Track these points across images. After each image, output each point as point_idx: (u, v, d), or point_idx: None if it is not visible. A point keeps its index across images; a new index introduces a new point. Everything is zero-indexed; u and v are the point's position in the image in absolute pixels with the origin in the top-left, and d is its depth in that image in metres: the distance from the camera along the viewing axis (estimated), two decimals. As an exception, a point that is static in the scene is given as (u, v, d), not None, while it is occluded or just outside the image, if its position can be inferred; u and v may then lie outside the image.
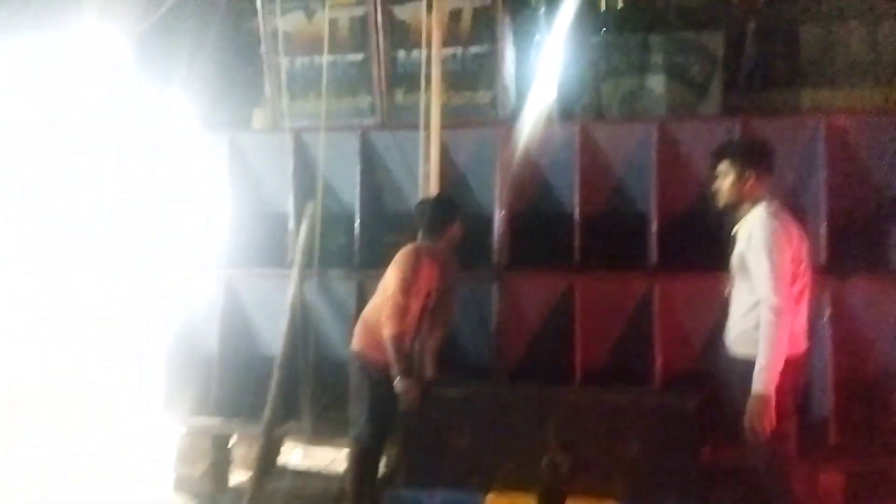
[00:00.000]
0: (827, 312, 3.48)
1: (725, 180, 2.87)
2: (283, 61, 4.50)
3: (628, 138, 3.92)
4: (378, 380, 3.21)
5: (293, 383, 3.95)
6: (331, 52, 4.29)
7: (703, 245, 3.49)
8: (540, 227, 3.90)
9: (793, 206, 3.69)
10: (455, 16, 4.34)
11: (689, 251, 3.60)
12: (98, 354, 4.89)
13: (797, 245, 2.79)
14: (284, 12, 4.45)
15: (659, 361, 3.56)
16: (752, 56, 5.68)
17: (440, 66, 3.88)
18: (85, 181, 4.94)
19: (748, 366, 2.68)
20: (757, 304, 2.72)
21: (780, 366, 2.64)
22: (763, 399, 2.62)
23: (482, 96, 4.39)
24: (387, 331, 3.13)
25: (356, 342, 3.35)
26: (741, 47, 5.67)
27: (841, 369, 3.47)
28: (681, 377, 3.54)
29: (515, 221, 3.90)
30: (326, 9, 4.27)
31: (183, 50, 4.80)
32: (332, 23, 4.35)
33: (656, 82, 5.24)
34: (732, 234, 2.92)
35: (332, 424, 3.82)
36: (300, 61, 4.54)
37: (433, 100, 3.81)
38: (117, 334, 4.72)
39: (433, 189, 3.75)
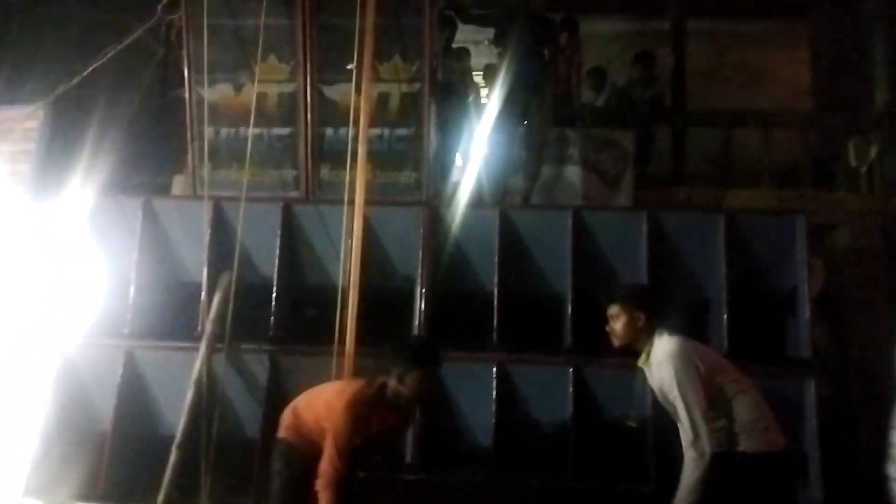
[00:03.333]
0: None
1: (618, 323, 2.97)
2: (208, 131, 4.46)
3: (545, 224, 4.07)
4: (300, 472, 3.01)
5: (193, 465, 3.70)
6: (257, 125, 4.30)
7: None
8: (460, 306, 3.93)
9: (697, 297, 3.95)
10: (383, 98, 4.47)
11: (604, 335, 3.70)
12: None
13: (707, 360, 2.89)
14: (212, 84, 4.46)
15: (572, 443, 3.58)
16: (656, 155, 6.11)
17: (366, 145, 3.96)
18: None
19: (758, 459, 2.78)
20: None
21: None
22: None
23: (407, 176, 4.48)
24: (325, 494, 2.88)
25: (284, 430, 3.14)
26: (651, 146, 6.09)
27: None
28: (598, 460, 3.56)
29: (437, 299, 3.92)
30: (256, 83, 4.31)
31: (105, 112, 4.70)
32: (261, 97, 4.38)
33: (573, 173, 5.53)
34: (643, 366, 3.00)
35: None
36: (225, 132, 4.52)
37: (358, 176, 3.85)
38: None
39: (355, 264, 3.73)
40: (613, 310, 2.98)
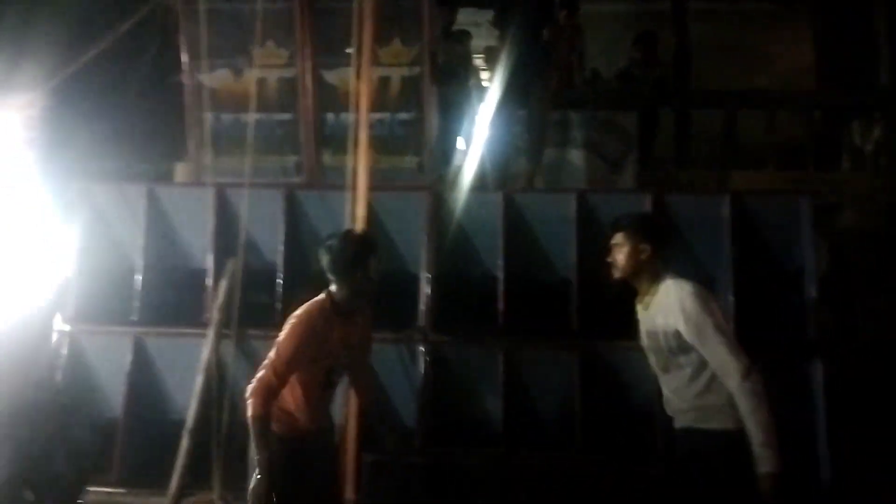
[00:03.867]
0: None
1: (620, 253, 2.86)
2: (209, 117, 4.44)
3: (550, 207, 4.04)
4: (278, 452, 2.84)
5: (204, 451, 3.70)
6: (258, 110, 4.28)
7: (623, 309, 3.58)
8: (465, 291, 3.92)
9: (702, 279, 3.92)
10: (384, 83, 4.43)
11: (610, 317, 3.69)
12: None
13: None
14: (211, 69, 4.42)
15: (580, 427, 3.58)
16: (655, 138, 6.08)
17: (368, 130, 3.93)
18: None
19: (728, 438, 2.62)
20: (713, 377, 2.67)
21: (775, 436, 2.56)
22: (775, 477, 2.52)
23: (409, 161, 4.46)
24: (249, 411, 2.77)
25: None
26: (654, 128, 6.05)
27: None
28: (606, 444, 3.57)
29: (441, 284, 3.90)
30: (255, 68, 4.28)
31: (105, 100, 4.67)
32: (261, 82, 4.35)
33: (576, 156, 5.49)
34: (638, 310, 2.91)
35: (245, 496, 3.58)
36: (226, 118, 4.50)
37: (360, 162, 3.83)
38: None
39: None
40: (618, 238, 2.86)
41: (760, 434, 2.55)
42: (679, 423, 2.81)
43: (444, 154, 4.79)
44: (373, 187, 3.85)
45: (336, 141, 4.38)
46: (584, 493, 3.24)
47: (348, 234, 3.05)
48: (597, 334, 3.73)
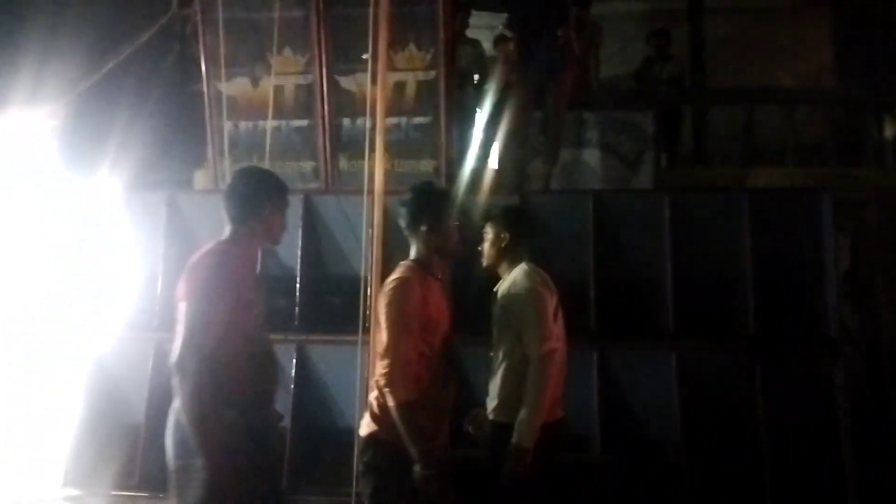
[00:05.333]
0: (758, 381, 3.58)
1: (486, 241, 3.00)
2: (227, 125, 4.49)
3: (566, 208, 4.04)
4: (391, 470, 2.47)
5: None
6: (275, 117, 4.31)
7: (641, 312, 3.58)
8: (484, 293, 3.92)
9: (722, 277, 3.90)
10: (399, 87, 4.45)
11: (628, 318, 3.68)
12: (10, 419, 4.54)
13: (554, 310, 2.84)
14: (229, 78, 4.47)
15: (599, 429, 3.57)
16: (681, 135, 6.03)
17: (384, 135, 3.95)
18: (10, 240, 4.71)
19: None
20: (514, 365, 2.74)
21: (538, 420, 2.61)
22: (521, 451, 2.56)
23: (425, 165, 4.47)
24: (392, 399, 2.40)
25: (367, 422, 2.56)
26: (672, 127, 6.02)
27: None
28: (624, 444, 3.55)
29: (460, 286, 3.91)
30: (272, 76, 4.32)
31: (125, 110, 4.74)
32: (278, 89, 4.39)
33: (592, 156, 5.48)
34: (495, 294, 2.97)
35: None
36: (244, 125, 4.54)
37: (377, 166, 3.85)
38: (36, 396, 4.41)
39: (376, 253, 3.74)
40: (486, 228, 3.01)
41: (524, 411, 2.63)
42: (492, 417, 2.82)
43: (461, 157, 4.80)
44: (389, 191, 3.87)
45: (352, 146, 4.40)
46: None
47: (419, 185, 2.89)
48: (614, 335, 3.71)
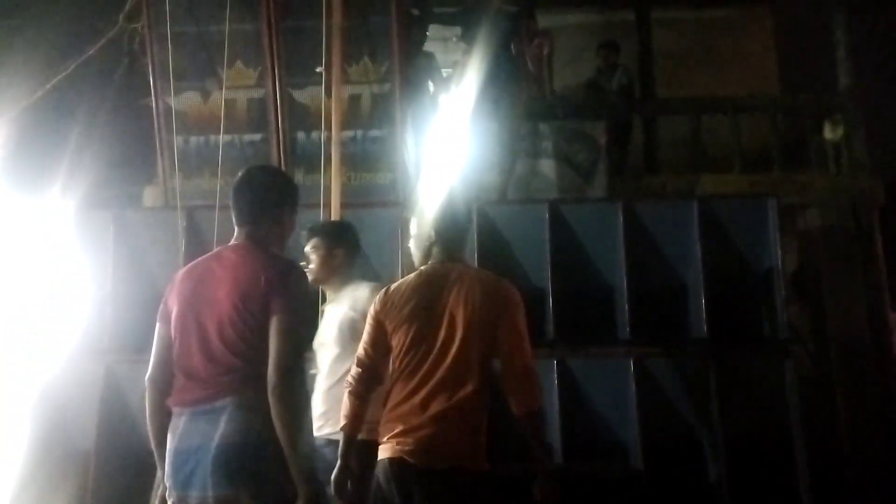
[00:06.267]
0: (712, 384, 3.66)
1: (316, 256, 3.02)
2: (177, 140, 4.40)
3: (523, 218, 4.08)
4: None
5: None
6: (228, 131, 4.25)
7: (598, 319, 3.62)
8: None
9: (675, 283, 3.99)
10: (354, 100, 4.44)
11: (585, 325, 3.72)
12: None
13: None
14: (179, 92, 4.40)
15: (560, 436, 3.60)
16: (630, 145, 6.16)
17: (340, 148, 3.93)
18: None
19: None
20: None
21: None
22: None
23: (382, 177, 4.47)
24: (536, 402, 2.35)
25: (452, 452, 2.31)
26: (623, 136, 6.14)
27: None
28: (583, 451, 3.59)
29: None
30: (224, 89, 4.26)
31: (72, 126, 4.62)
32: (230, 103, 4.33)
33: (547, 167, 5.55)
34: (327, 311, 3.04)
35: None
36: (195, 140, 4.47)
37: (333, 179, 3.83)
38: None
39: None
40: (314, 243, 3.02)
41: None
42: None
43: (417, 170, 4.81)
44: (346, 204, 3.85)
45: (308, 159, 4.37)
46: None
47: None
48: (572, 342, 3.75)
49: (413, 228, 2.64)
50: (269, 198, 2.27)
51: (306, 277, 2.33)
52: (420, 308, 2.40)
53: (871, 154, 5.97)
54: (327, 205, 3.83)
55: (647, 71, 6.93)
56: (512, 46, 5.10)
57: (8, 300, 4.08)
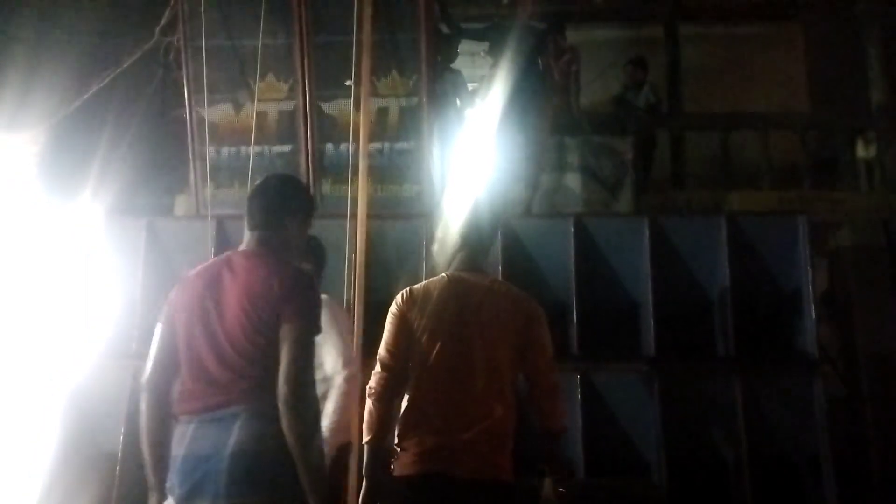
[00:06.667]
0: (739, 403, 3.61)
1: None
2: (209, 150, 4.49)
3: (547, 232, 4.08)
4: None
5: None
6: (258, 143, 4.33)
7: (623, 334, 3.60)
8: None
9: (701, 300, 3.95)
10: (382, 113, 4.50)
11: (610, 340, 3.70)
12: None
13: None
14: (211, 104, 4.49)
15: (582, 449, 3.58)
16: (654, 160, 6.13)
17: (367, 160, 3.98)
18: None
19: None
20: None
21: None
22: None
23: (408, 189, 4.50)
24: (562, 421, 2.39)
25: (488, 464, 2.29)
26: (651, 152, 6.12)
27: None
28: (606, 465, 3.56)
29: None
30: (255, 101, 4.34)
31: (107, 135, 4.74)
32: (261, 115, 4.41)
33: (573, 181, 5.55)
34: None
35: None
36: (226, 151, 4.55)
37: (360, 191, 3.87)
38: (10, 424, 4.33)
39: (359, 278, 3.74)
40: None
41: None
42: None
43: (443, 182, 4.84)
44: (372, 216, 3.89)
45: (336, 171, 4.43)
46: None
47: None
48: (596, 357, 3.73)
49: (439, 233, 2.61)
50: (284, 205, 2.25)
51: (317, 286, 2.29)
52: (451, 315, 2.36)
53: (904, 172, 5.87)
54: (354, 216, 3.87)
55: (675, 86, 6.90)
56: (539, 62, 5.13)
57: (40, 305, 4.18)
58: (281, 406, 1.99)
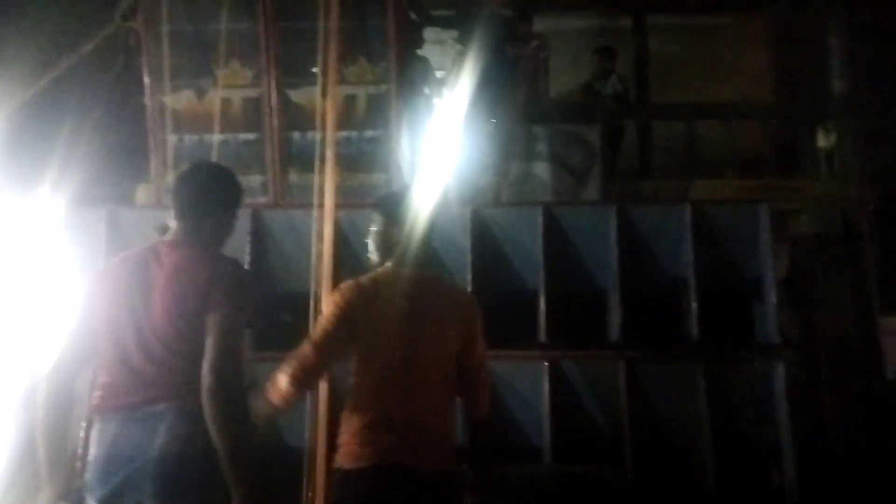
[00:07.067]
0: (703, 388, 3.68)
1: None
2: (171, 138, 4.40)
3: (517, 221, 4.09)
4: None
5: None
6: (222, 131, 4.26)
7: (590, 322, 3.64)
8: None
9: (667, 286, 4.01)
10: (350, 101, 4.45)
11: (577, 328, 3.74)
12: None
13: None
14: (174, 90, 4.40)
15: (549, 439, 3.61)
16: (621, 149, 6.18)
17: (335, 149, 3.93)
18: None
19: None
20: None
21: None
22: None
23: (377, 178, 4.48)
24: (491, 407, 2.52)
25: (439, 455, 2.33)
26: (619, 141, 6.17)
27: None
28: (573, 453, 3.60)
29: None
30: (219, 88, 4.26)
31: (66, 123, 4.61)
32: (225, 102, 4.34)
33: (542, 170, 5.57)
34: None
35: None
36: (189, 139, 4.46)
37: (327, 180, 3.83)
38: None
39: (327, 269, 3.71)
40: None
41: None
42: None
43: (412, 171, 4.82)
44: (340, 205, 3.85)
45: (303, 159, 4.37)
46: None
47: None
48: (565, 345, 3.76)
49: (380, 225, 2.54)
50: (213, 195, 2.20)
51: (252, 278, 2.26)
52: (402, 310, 2.36)
53: (862, 161, 6.01)
54: (321, 205, 3.83)
55: (642, 76, 6.96)
56: (508, 50, 5.12)
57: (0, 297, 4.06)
58: (203, 395, 1.92)
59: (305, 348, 2.35)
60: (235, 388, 1.97)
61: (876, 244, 5.55)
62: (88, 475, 1.98)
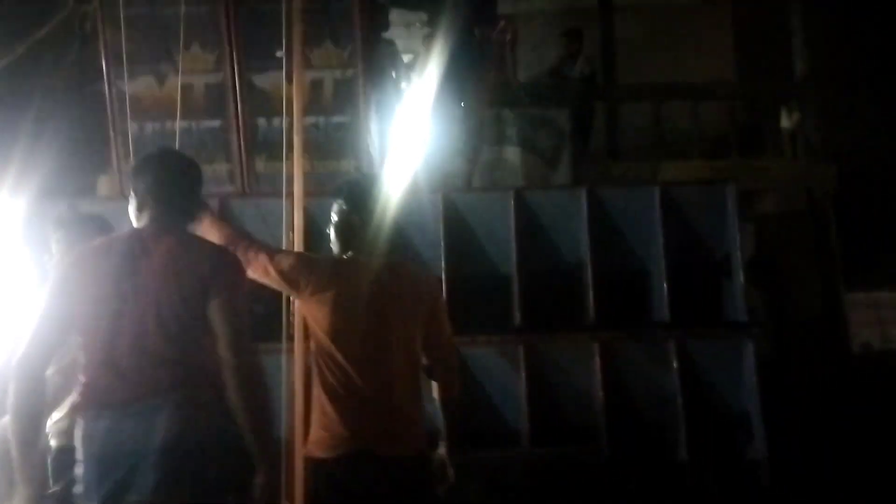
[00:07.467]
0: (675, 366, 3.72)
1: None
2: (131, 126, 4.27)
3: (489, 206, 4.07)
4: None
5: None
6: (185, 118, 4.14)
7: (564, 304, 3.65)
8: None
9: (638, 267, 4.04)
10: (316, 86, 4.37)
11: (551, 311, 3.75)
12: None
13: None
14: (132, 76, 4.26)
15: (526, 420, 3.63)
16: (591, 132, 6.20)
17: (302, 135, 3.86)
18: None
19: None
20: None
21: None
22: None
23: (346, 165, 4.41)
24: (459, 388, 2.49)
25: (413, 440, 2.34)
26: (589, 124, 6.19)
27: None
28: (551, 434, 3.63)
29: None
30: (180, 74, 4.14)
31: (21, 113, 4.45)
32: (186, 88, 4.22)
33: (512, 154, 5.57)
34: None
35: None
36: (150, 127, 4.34)
37: (296, 168, 3.76)
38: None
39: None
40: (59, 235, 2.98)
41: None
42: None
43: (381, 157, 4.76)
44: (310, 193, 3.78)
45: (269, 147, 4.28)
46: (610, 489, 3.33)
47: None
48: (539, 328, 3.78)
49: (341, 213, 2.45)
50: (186, 181, 2.17)
51: (242, 263, 2.23)
52: (368, 297, 2.31)
53: (825, 140, 6.12)
54: (290, 194, 3.76)
55: (609, 58, 6.97)
56: (476, 32, 5.07)
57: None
58: (229, 377, 1.93)
59: (280, 255, 2.40)
60: (256, 364, 2.00)
61: (839, 222, 5.68)
62: (82, 475, 1.91)
